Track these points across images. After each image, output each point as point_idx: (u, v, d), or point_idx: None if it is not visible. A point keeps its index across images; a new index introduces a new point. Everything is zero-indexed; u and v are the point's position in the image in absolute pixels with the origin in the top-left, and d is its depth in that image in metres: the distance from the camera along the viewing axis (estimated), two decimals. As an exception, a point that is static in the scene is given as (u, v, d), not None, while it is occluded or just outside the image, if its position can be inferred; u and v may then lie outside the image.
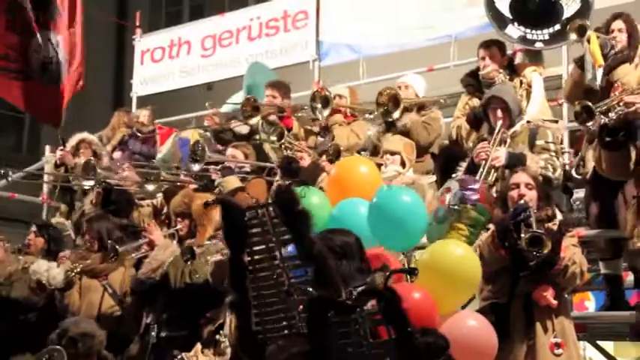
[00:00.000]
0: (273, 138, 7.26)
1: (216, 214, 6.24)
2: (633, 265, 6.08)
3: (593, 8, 7.11)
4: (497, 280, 5.01)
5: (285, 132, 7.21)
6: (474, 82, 7.12)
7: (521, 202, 5.03)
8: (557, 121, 6.27)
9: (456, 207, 5.10)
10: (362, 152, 7.15)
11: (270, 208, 3.58)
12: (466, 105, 7.11)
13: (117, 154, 9.01)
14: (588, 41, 6.12)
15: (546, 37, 7.18)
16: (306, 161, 6.75)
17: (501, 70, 6.95)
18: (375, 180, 5.77)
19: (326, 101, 7.24)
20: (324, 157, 6.83)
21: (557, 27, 7.03)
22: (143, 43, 11.43)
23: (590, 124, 5.71)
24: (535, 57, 7.20)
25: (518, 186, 5.18)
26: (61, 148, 8.71)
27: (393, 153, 6.49)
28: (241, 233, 3.61)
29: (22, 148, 16.61)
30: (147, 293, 6.27)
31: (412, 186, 5.94)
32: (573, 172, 6.51)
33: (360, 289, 3.49)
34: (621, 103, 5.49)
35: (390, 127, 7.16)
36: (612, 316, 6.33)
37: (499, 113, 6.05)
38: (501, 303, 4.94)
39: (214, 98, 9.50)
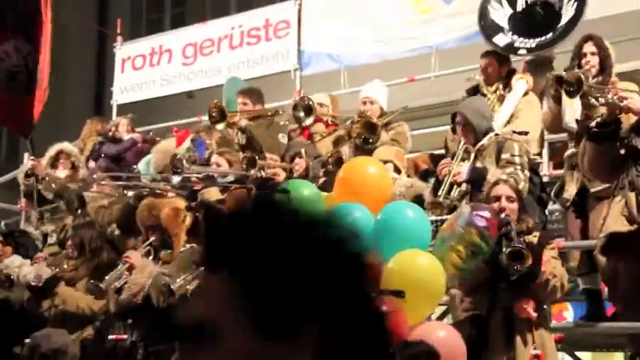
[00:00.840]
0: (243, 166, 7.19)
1: (186, 218, 6.22)
2: (605, 277, 6.09)
3: (585, 19, 7.18)
4: (477, 291, 5.01)
5: (256, 159, 7.14)
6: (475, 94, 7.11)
7: (502, 216, 5.04)
8: (527, 133, 6.25)
9: (460, 228, 4.94)
10: None
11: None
12: None
13: (91, 164, 8.97)
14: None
15: (533, 45, 7.20)
16: (281, 177, 6.72)
17: (481, 81, 6.96)
18: (385, 180, 5.78)
19: (309, 110, 7.22)
20: (296, 159, 6.80)
21: (549, 35, 7.02)
22: (124, 50, 11.40)
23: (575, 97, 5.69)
24: (539, 69, 7.12)
25: (499, 199, 5.20)
26: (32, 157, 8.65)
27: (385, 162, 6.48)
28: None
29: (0, 156, 16.51)
30: (130, 316, 6.24)
31: (411, 189, 5.97)
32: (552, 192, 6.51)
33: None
34: (615, 96, 5.49)
35: (364, 144, 7.15)
36: (590, 326, 6.35)
37: (460, 129, 6.10)
38: (481, 315, 4.95)
39: (195, 107, 9.49)
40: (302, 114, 7.14)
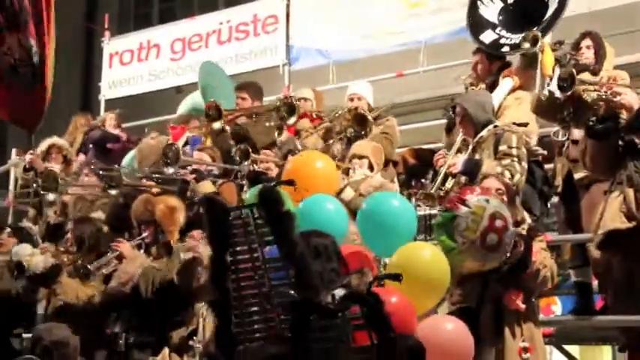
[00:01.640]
0: (236, 158, 7.19)
1: (180, 216, 6.22)
2: (596, 270, 6.13)
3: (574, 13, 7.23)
4: (467, 284, 5.03)
5: (249, 150, 7.16)
6: None
7: None
8: (527, 124, 6.27)
9: (508, 249, 4.79)
10: None
11: (254, 209, 3.58)
12: None
13: (81, 157, 8.95)
14: (542, 52, 6.24)
15: (517, 41, 7.19)
16: (273, 172, 6.72)
17: (472, 81, 6.97)
18: (332, 174, 5.76)
19: (291, 109, 7.21)
20: (289, 157, 6.81)
21: (534, 30, 7.02)
22: (112, 45, 11.38)
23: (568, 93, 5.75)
24: (532, 62, 7.13)
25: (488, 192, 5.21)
26: (31, 152, 8.62)
27: (361, 157, 6.47)
28: (225, 233, 3.61)
29: (-12, 152, 16.43)
30: (116, 306, 6.23)
31: (380, 189, 5.95)
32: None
33: (340, 292, 3.50)
34: (609, 91, 5.53)
35: (352, 142, 7.17)
36: (578, 320, 6.39)
37: (459, 120, 6.14)
38: (471, 307, 4.97)
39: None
40: (285, 114, 7.14)
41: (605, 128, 5.36)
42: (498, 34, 7.14)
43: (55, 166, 8.36)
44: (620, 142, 5.38)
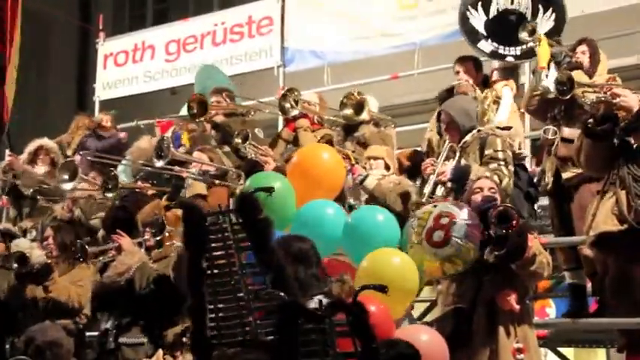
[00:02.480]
0: (238, 140, 7.23)
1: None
2: (590, 271, 6.15)
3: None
4: (461, 285, 5.03)
5: (250, 135, 7.19)
6: (450, 97, 7.15)
7: (488, 193, 5.13)
8: (510, 128, 6.32)
9: (460, 242, 4.79)
10: None
11: (232, 215, 3.57)
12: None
13: (77, 158, 8.92)
14: (539, 44, 6.35)
15: (518, 52, 7.35)
16: (270, 166, 6.73)
17: (474, 86, 7.01)
18: (338, 166, 5.78)
19: (296, 102, 7.24)
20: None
21: (531, 44, 7.10)
22: (106, 46, 11.38)
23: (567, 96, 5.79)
24: (510, 74, 7.33)
25: (482, 189, 5.24)
26: (10, 153, 8.60)
27: (376, 158, 6.56)
28: (201, 238, 3.61)
29: (-19, 152, 16.39)
30: (108, 297, 6.21)
31: (398, 186, 6.05)
32: (535, 180, 6.58)
33: (321, 298, 3.50)
34: (608, 92, 5.55)
35: (348, 134, 7.20)
36: (572, 323, 6.39)
37: (444, 127, 6.16)
38: (465, 308, 4.97)
39: (178, 103, 9.46)
40: (288, 105, 7.14)
41: (604, 129, 5.37)
42: (493, 45, 7.25)
43: (41, 168, 8.35)
44: (616, 140, 5.39)
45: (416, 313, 6.53)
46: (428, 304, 6.82)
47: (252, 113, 7.93)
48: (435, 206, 5.00)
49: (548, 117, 6.46)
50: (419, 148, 7.46)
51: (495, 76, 7.35)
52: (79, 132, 9.33)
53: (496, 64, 7.65)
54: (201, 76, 9.14)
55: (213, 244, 3.61)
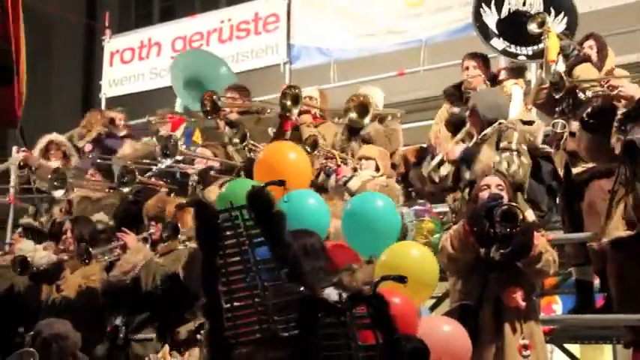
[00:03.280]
0: (236, 140, 7.24)
1: (190, 217, 6.21)
2: (598, 268, 6.15)
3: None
4: (468, 281, 5.04)
5: (247, 134, 7.19)
6: (457, 92, 7.16)
7: (494, 191, 5.12)
8: (532, 122, 6.31)
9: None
10: None
11: (244, 211, 3.56)
12: (446, 112, 7.17)
13: (88, 147, 8.92)
14: (548, 37, 6.36)
15: (530, 52, 7.35)
16: None
17: (486, 81, 7.02)
18: (305, 166, 5.71)
19: (296, 99, 7.22)
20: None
21: (542, 45, 7.05)
22: (112, 44, 11.38)
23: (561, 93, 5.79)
24: (518, 74, 7.31)
25: (489, 186, 5.24)
26: (24, 149, 8.62)
27: (368, 158, 6.57)
28: (214, 236, 3.59)
29: (-12, 149, 16.42)
30: (116, 295, 6.23)
31: (386, 189, 6.06)
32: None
33: (331, 290, 3.49)
34: (606, 85, 5.55)
35: (352, 134, 7.19)
36: (579, 319, 6.39)
37: (467, 113, 6.20)
38: (471, 305, 4.97)
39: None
40: (289, 102, 7.13)
41: (598, 122, 5.39)
42: (504, 43, 7.26)
43: (54, 163, 8.36)
44: (620, 137, 5.38)
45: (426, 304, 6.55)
46: (435, 300, 6.85)
47: (269, 111, 7.90)
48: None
49: (556, 111, 6.46)
50: (425, 145, 7.46)
51: (503, 75, 7.33)
52: (95, 127, 9.25)
53: (503, 63, 7.65)
54: (184, 63, 9.03)
55: (226, 242, 3.59)
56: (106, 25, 11.57)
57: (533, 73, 7.59)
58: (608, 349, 9.79)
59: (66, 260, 6.67)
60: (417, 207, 5.90)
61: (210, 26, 10.64)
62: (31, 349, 5.33)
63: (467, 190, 5.88)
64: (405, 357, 3.33)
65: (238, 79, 9.05)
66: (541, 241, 4.97)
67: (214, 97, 7.41)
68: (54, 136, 8.69)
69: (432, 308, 6.75)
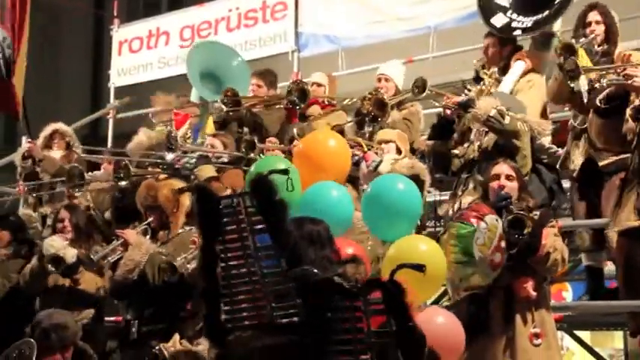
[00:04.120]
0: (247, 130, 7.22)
1: (185, 199, 6.20)
2: (612, 256, 6.12)
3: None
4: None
5: (262, 125, 7.17)
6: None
7: (502, 192, 5.07)
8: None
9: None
10: None
11: (246, 197, 3.55)
12: None
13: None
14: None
15: (529, 24, 7.09)
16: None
17: (483, 64, 6.93)
18: (344, 153, 5.73)
19: (303, 94, 7.18)
20: (294, 142, 6.78)
21: (545, 13, 6.82)
22: (121, 33, 11.37)
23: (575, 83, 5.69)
24: (545, 45, 7.03)
25: (498, 177, 5.22)
26: (29, 140, 8.62)
27: (387, 142, 6.48)
28: (215, 222, 3.58)
29: (-2, 139, 16.49)
30: (124, 293, 6.25)
31: (412, 169, 5.96)
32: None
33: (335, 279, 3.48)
34: (622, 73, 5.45)
35: (365, 124, 7.13)
36: (589, 306, 6.37)
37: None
38: (481, 294, 4.96)
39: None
40: (296, 99, 7.09)
41: (611, 107, 5.35)
42: (510, 17, 7.06)
43: (56, 152, 8.36)
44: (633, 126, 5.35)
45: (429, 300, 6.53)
46: (441, 290, 6.83)
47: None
48: (496, 220, 4.94)
49: (573, 105, 6.29)
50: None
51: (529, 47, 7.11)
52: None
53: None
54: (200, 54, 9.00)
55: (227, 228, 3.59)
56: (115, 14, 11.56)
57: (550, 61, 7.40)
58: (618, 335, 9.76)
59: (82, 254, 6.68)
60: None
61: (218, 15, 10.62)
62: (30, 340, 5.32)
63: (465, 170, 5.91)
64: (419, 344, 3.32)
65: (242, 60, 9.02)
66: (550, 240, 4.95)
67: (235, 91, 7.39)
68: (59, 125, 8.66)
69: (438, 300, 6.74)
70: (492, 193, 5.16)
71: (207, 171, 6.35)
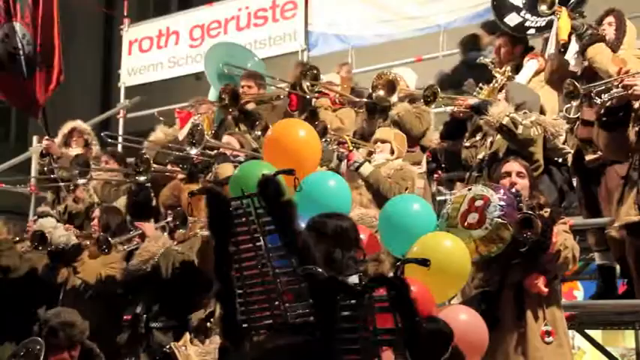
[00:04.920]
0: (258, 133, 7.22)
1: (203, 204, 6.20)
2: (617, 255, 6.11)
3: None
4: (489, 268, 5.02)
5: (269, 127, 7.18)
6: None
7: (513, 189, 5.06)
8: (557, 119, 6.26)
9: (494, 222, 4.76)
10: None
11: (255, 198, 3.56)
12: None
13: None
14: (558, 17, 6.31)
15: (543, 23, 7.17)
16: None
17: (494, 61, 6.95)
18: (314, 143, 5.51)
19: (315, 79, 7.19)
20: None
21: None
22: (131, 33, 11.40)
23: (577, 102, 5.74)
24: None
25: (509, 174, 5.23)
26: (47, 137, 8.65)
27: (383, 141, 6.51)
28: (226, 223, 3.60)
29: (9, 138, 16.53)
30: (136, 284, 6.26)
31: (400, 172, 6.01)
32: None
33: (354, 279, 3.49)
34: (620, 85, 5.47)
35: (375, 113, 7.15)
36: (601, 305, 6.36)
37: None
38: (492, 291, 4.96)
39: (203, 88, 9.48)
40: (308, 83, 7.10)
41: (615, 119, 5.35)
42: (523, 17, 7.11)
43: (75, 150, 8.39)
44: (636, 128, 5.35)
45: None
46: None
47: (282, 97, 7.90)
48: (469, 190, 5.00)
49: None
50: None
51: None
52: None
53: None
54: (218, 54, 9.02)
55: (238, 229, 3.60)
56: (125, 14, 11.58)
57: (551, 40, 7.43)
58: (630, 334, 9.74)
59: (87, 246, 6.70)
60: (507, 206, 4.94)
61: (228, 14, 10.64)
62: (38, 338, 5.35)
63: (476, 170, 5.90)
64: (425, 340, 3.31)
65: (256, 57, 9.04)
66: (560, 238, 4.93)
67: (233, 88, 7.41)
68: (78, 123, 8.71)
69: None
70: None
71: (227, 169, 6.36)
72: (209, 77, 8.58)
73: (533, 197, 5.13)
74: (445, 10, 9.03)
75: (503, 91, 6.26)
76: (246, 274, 3.59)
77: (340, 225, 3.87)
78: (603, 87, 5.64)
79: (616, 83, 5.53)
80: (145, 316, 6.09)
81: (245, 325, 3.56)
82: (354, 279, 3.55)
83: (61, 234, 6.66)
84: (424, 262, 3.70)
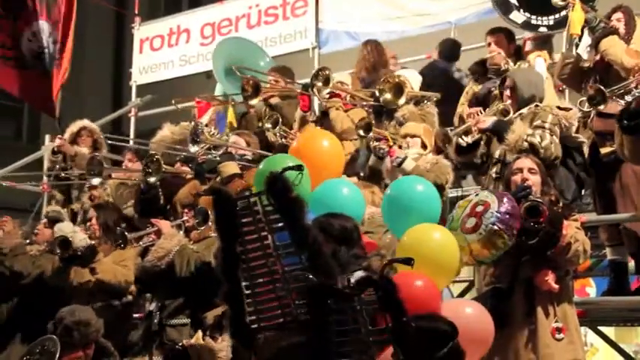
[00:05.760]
0: (268, 125, 7.24)
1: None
2: (632, 250, 6.09)
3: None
4: (499, 264, 5.01)
5: (280, 119, 7.19)
6: (481, 69, 7.12)
7: (524, 185, 5.06)
8: (570, 109, 6.22)
9: (488, 229, 4.75)
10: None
11: (263, 196, 3.55)
12: (470, 90, 7.13)
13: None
14: (572, 9, 6.33)
15: (551, 22, 7.19)
16: None
17: (506, 58, 6.94)
18: (338, 154, 5.62)
19: (327, 81, 7.19)
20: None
21: (564, 13, 6.97)
22: (142, 31, 11.41)
23: (602, 107, 5.71)
24: (543, 44, 7.22)
25: (521, 170, 5.21)
26: (60, 136, 8.68)
27: (413, 136, 6.45)
28: (233, 223, 3.58)
29: (22, 137, 16.60)
30: (150, 281, 6.28)
31: (435, 166, 5.95)
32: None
33: (356, 276, 3.49)
34: (639, 86, 5.46)
35: (381, 116, 7.14)
36: (613, 301, 6.33)
37: (507, 92, 6.12)
38: (503, 288, 4.95)
39: (214, 87, 9.50)
40: (320, 83, 7.10)
41: (636, 122, 5.32)
42: (525, 15, 7.14)
43: (83, 149, 8.42)
44: None
45: (454, 293, 6.51)
46: (467, 283, 6.82)
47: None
48: (476, 194, 5.00)
49: (582, 87, 6.38)
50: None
51: (529, 46, 7.25)
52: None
53: (528, 34, 7.56)
54: (226, 50, 9.02)
55: (245, 228, 3.59)
56: (136, 12, 11.60)
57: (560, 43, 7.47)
58: (643, 331, 9.70)
59: (98, 245, 6.73)
60: (507, 212, 4.88)
61: (239, 12, 10.64)
62: (53, 336, 5.36)
63: (495, 169, 5.86)
64: (415, 339, 3.31)
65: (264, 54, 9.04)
66: (570, 231, 4.92)
67: (255, 80, 7.42)
68: (86, 122, 8.74)
69: (463, 293, 6.73)
70: (514, 187, 5.14)
71: (231, 167, 6.37)
72: (215, 73, 8.59)
73: (544, 194, 5.11)
74: (456, 6, 9.01)
75: (507, 81, 6.18)
76: (255, 273, 3.58)
77: (345, 225, 3.90)
78: (623, 90, 5.63)
79: (634, 85, 5.52)
80: (158, 313, 6.11)
81: (254, 325, 3.56)
82: (359, 274, 3.55)
83: (81, 237, 6.68)
84: (408, 262, 3.69)
